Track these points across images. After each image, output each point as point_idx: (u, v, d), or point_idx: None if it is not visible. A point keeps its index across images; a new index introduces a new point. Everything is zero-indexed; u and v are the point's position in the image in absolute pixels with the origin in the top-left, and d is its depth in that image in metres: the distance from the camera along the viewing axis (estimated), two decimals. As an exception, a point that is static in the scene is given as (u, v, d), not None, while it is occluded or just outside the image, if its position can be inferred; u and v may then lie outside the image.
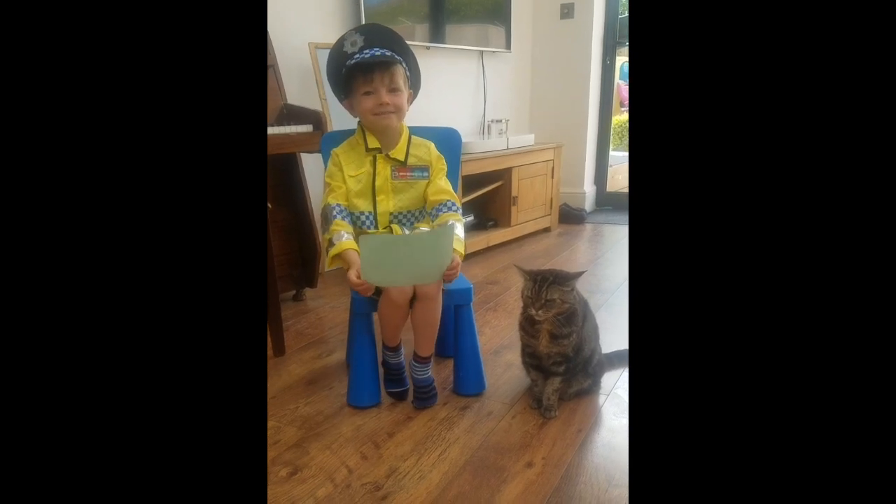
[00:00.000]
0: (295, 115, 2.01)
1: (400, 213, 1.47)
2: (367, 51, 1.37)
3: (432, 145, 1.50)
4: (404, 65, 1.42)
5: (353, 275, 1.30)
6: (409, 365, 1.47)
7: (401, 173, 1.45)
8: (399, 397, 1.48)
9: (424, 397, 1.44)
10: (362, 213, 1.45)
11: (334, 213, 1.40)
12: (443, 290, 1.38)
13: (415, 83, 1.48)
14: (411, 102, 1.49)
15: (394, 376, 1.49)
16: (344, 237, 1.36)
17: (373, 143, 1.44)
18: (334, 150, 1.46)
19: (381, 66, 1.37)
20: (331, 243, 1.38)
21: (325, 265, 1.43)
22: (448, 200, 1.46)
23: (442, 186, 1.47)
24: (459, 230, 1.42)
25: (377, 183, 1.44)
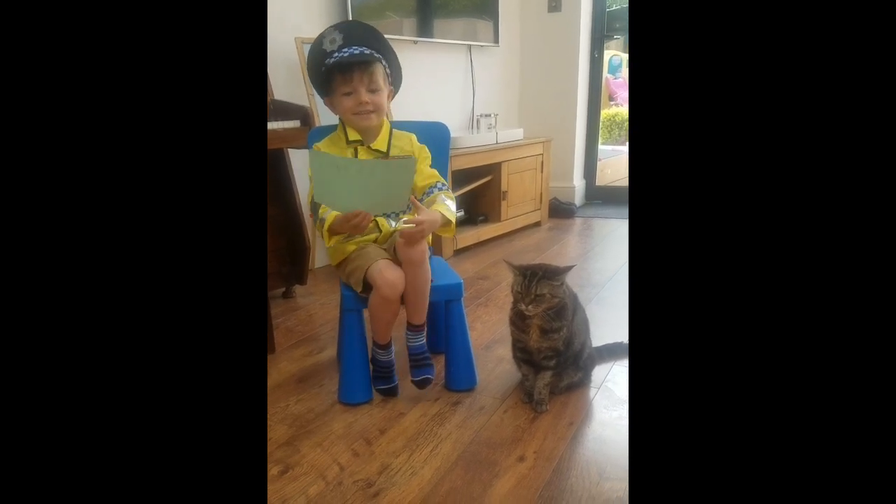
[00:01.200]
0: (282, 110, 1.99)
1: None
2: (345, 49, 1.37)
3: (414, 137, 1.51)
4: (384, 62, 1.42)
5: (342, 217, 1.30)
6: (404, 335, 1.47)
7: None
8: (388, 394, 1.48)
9: (420, 365, 1.43)
10: None
11: None
12: (431, 275, 1.38)
13: (395, 80, 1.48)
14: (392, 99, 1.49)
15: (382, 374, 1.48)
16: (331, 212, 1.36)
17: (353, 135, 1.44)
18: (315, 144, 1.46)
19: (360, 66, 1.37)
20: (322, 222, 1.37)
21: (326, 242, 1.42)
22: (437, 182, 1.48)
23: (429, 172, 1.48)
24: (451, 203, 1.43)
25: None
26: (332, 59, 1.36)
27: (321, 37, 1.40)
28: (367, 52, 1.38)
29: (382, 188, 1.26)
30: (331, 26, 1.41)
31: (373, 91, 1.39)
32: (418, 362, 1.45)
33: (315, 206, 1.40)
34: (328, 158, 1.29)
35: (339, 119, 1.47)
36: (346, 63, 1.36)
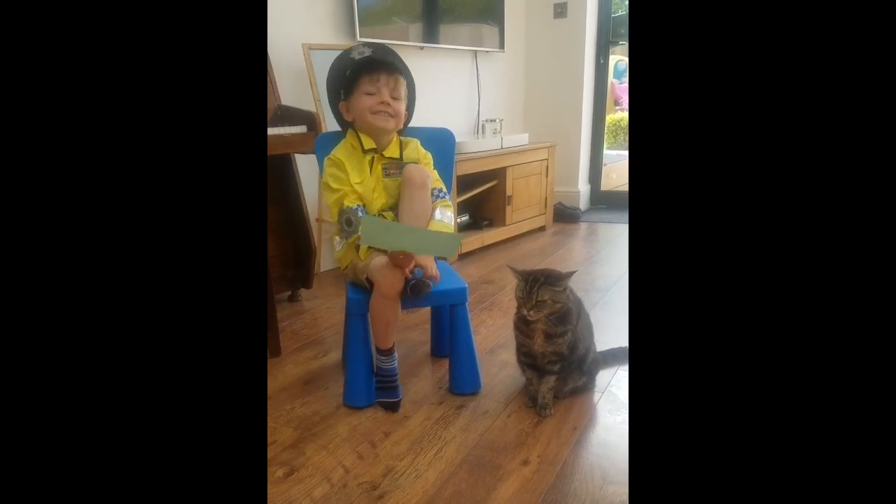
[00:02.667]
0: (289, 116, 2.01)
1: (391, 209, 1.49)
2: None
3: (418, 142, 1.54)
4: (406, 80, 1.46)
5: (389, 253, 1.34)
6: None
7: (391, 171, 1.47)
8: (390, 408, 1.44)
9: None
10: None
11: (359, 214, 1.41)
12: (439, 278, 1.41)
13: (410, 103, 1.52)
14: (406, 121, 1.52)
15: (386, 384, 1.45)
16: None
17: (369, 143, 1.45)
18: (334, 154, 1.45)
19: (387, 70, 1.42)
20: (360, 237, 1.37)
21: (361, 256, 1.44)
22: (437, 188, 1.50)
23: (433, 176, 1.50)
24: (448, 216, 1.46)
25: (371, 183, 1.46)
26: (363, 57, 1.40)
27: (351, 49, 1.45)
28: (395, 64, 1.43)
29: (432, 238, 1.32)
30: (361, 43, 1.46)
31: (395, 98, 1.42)
32: None
33: (350, 220, 1.41)
34: (376, 223, 1.34)
35: (350, 128, 1.48)
36: (377, 62, 1.40)
